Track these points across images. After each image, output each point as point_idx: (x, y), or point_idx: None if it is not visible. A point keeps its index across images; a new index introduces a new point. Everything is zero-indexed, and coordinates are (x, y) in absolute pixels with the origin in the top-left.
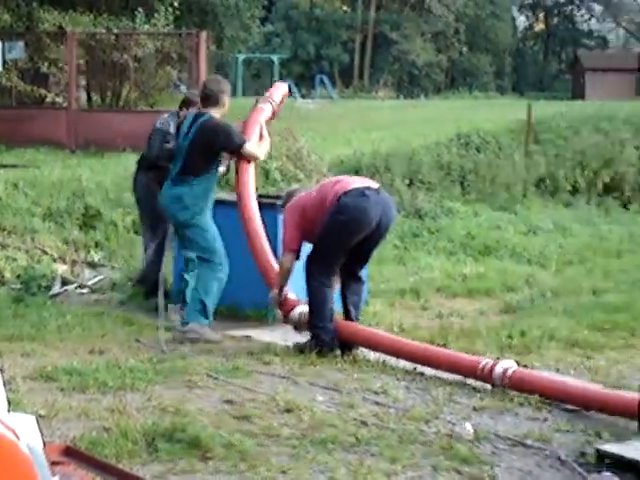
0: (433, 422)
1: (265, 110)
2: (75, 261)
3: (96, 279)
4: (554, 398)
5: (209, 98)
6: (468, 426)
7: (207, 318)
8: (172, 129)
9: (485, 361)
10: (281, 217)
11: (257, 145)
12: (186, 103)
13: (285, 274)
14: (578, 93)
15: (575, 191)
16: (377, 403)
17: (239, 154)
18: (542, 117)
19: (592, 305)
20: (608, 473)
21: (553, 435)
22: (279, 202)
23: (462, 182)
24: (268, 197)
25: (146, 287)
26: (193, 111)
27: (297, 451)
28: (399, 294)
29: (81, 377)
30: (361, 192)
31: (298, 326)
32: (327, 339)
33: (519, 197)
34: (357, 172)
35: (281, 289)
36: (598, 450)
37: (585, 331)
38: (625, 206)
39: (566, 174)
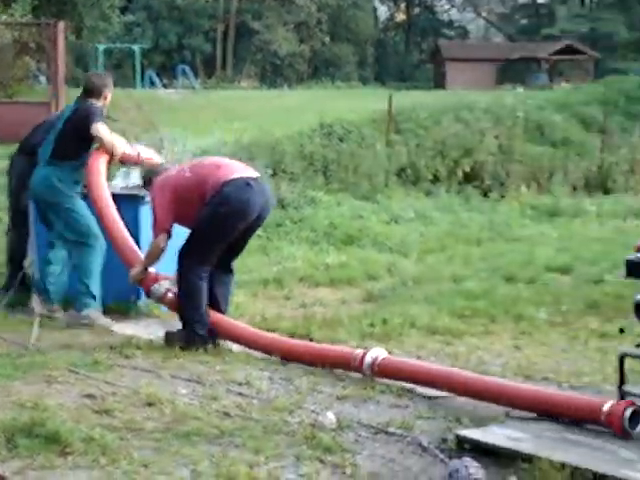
0: (296, 412)
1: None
2: None
3: None
4: (422, 384)
5: (92, 90)
6: (330, 415)
7: (94, 300)
8: None
9: (357, 351)
10: (142, 209)
11: (111, 136)
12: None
13: (157, 254)
14: (439, 83)
15: (436, 180)
16: (240, 394)
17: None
18: (403, 107)
19: (452, 292)
20: (468, 458)
21: (415, 422)
22: (141, 193)
23: (325, 172)
24: (127, 189)
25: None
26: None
27: (160, 444)
28: (262, 284)
29: None
30: (245, 182)
31: (160, 300)
32: (202, 332)
33: (381, 187)
34: None
35: (145, 268)
36: (458, 436)
37: (446, 318)
38: (485, 194)
39: (427, 163)
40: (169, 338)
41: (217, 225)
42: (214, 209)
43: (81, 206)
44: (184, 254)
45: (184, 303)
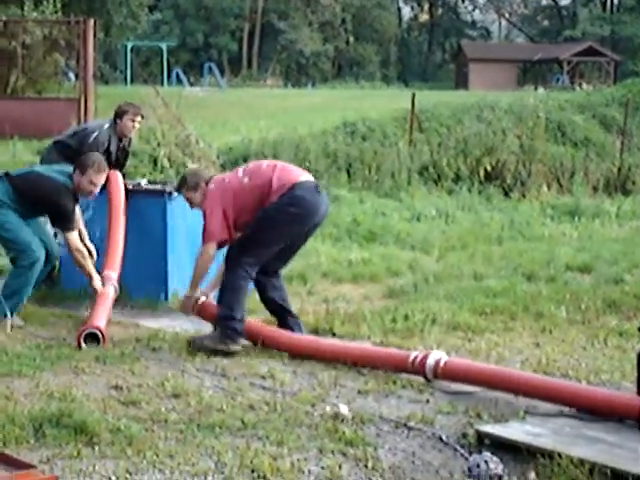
0: (319, 405)
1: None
2: None
3: None
4: (485, 385)
5: (79, 166)
6: (343, 408)
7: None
8: (112, 145)
9: (414, 354)
10: (170, 205)
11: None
12: (119, 114)
13: (206, 269)
14: (461, 83)
15: (458, 179)
16: (264, 387)
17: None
18: (426, 106)
19: (473, 290)
20: (488, 453)
21: (435, 417)
22: (168, 189)
23: (348, 170)
24: (155, 183)
25: None
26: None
27: (184, 436)
28: (286, 279)
29: None
30: (315, 185)
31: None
32: (239, 327)
33: (403, 185)
34: (245, 159)
35: (196, 287)
36: (478, 431)
37: (466, 315)
38: (506, 194)
39: (449, 162)
40: (197, 344)
41: (283, 225)
42: (282, 209)
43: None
44: (238, 249)
45: (227, 298)
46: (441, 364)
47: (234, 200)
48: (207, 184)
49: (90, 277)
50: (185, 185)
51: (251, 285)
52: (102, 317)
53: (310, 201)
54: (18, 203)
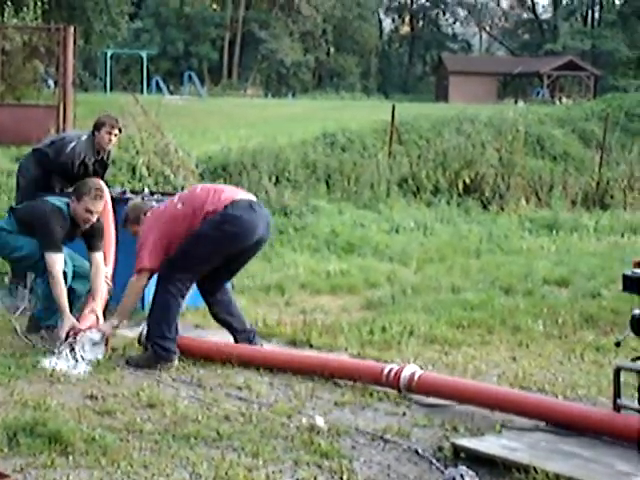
0: (295, 417)
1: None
2: None
3: None
4: (462, 401)
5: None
6: (319, 420)
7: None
8: (88, 157)
9: (389, 367)
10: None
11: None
12: (97, 125)
13: (136, 299)
14: (442, 96)
15: (437, 191)
16: (240, 398)
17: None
18: (406, 118)
19: (451, 302)
20: (464, 467)
21: (411, 430)
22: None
23: (327, 181)
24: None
25: (11, 279)
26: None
27: (159, 446)
28: (264, 290)
29: None
30: (249, 204)
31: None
32: (171, 347)
33: (383, 196)
34: (225, 169)
35: (124, 317)
36: (454, 444)
37: (444, 327)
38: (485, 207)
39: (428, 174)
40: (135, 363)
41: (215, 243)
42: (216, 226)
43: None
44: (170, 267)
45: (157, 316)
46: (415, 378)
47: (168, 226)
48: (146, 213)
49: (60, 310)
50: (128, 220)
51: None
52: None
53: (245, 219)
54: (23, 233)
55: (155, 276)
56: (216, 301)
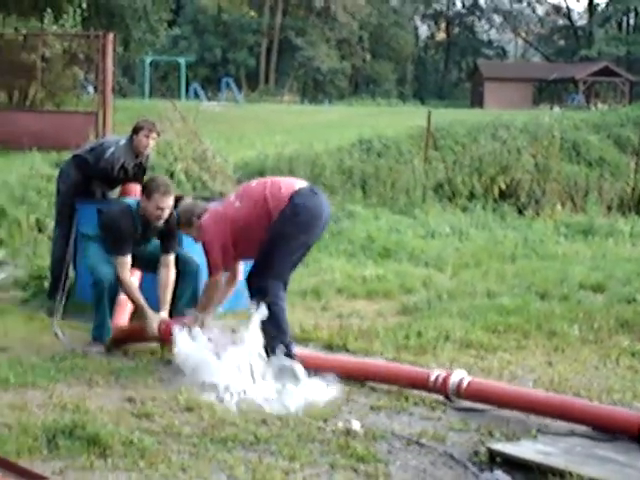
0: (331, 421)
1: None
2: None
3: None
4: (511, 407)
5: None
6: (355, 424)
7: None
8: (128, 161)
9: (437, 373)
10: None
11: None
12: (136, 130)
13: (214, 295)
14: (477, 102)
15: (472, 197)
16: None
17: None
18: (441, 124)
19: (486, 307)
20: (499, 472)
21: (447, 434)
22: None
23: (363, 186)
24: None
25: (51, 283)
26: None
27: (197, 449)
28: (300, 295)
29: None
30: (310, 189)
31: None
32: (292, 354)
33: (418, 202)
34: (261, 174)
35: (207, 313)
36: (489, 449)
37: (479, 332)
38: (520, 212)
39: (463, 180)
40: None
41: (297, 235)
42: (289, 221)
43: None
44: (261, 277)
45: (273, 331)
46: (464, 384)
47: (232, 226)
48: (200, 217)
49: (141, 309)
50: (180, 223)
51: None
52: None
53: (312, 206)
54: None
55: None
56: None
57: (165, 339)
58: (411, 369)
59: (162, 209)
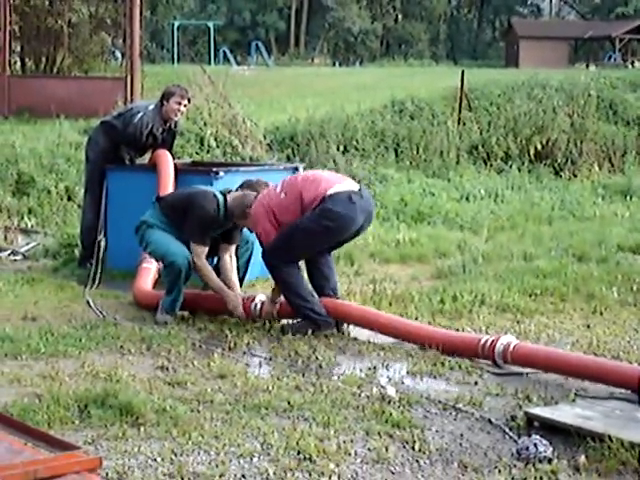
0: (366, 387)
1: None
2: (8, 227)
3: (29, 246)
4: (555, 371)
5: None
6: (390, 390)
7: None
8: (156, 127)
9: (485, 338)
10: (216, 183)
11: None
12: (166, 95)
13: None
14: (512, 61)
15: (507, 158)
16: (310, 368)
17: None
18: (475, 85)
19: (523, 270)
20: (537, 436)
21: (484, 399)
22: (214, 169)
23: (396, 149)
24: (203, 164)
25: (81, 251)
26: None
27: (230, 416)
28: (334, 260)
29: (13, 344)
30: (348, 197)
31: (263, 316)
32: (320, 313)
33: (452, 164)
34: (292, 139)
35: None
36: (527, 413)
37: (516, 296)
38: (557, 173)
39: (498, 141)
40: (293, 330)
41: (315, 236)
42: (316, 221)
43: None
44: (272, 255)
45: (290, 297)
46: (510, 348)
47: (276, 217)
48: (250, 207)
49: (220, 292)
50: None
51: None
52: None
53: (344, 214)
54: (167, 224)
55: None
56: (320, 275)
57: (248, 314)
58: (462, 335)
59: (248, 216)
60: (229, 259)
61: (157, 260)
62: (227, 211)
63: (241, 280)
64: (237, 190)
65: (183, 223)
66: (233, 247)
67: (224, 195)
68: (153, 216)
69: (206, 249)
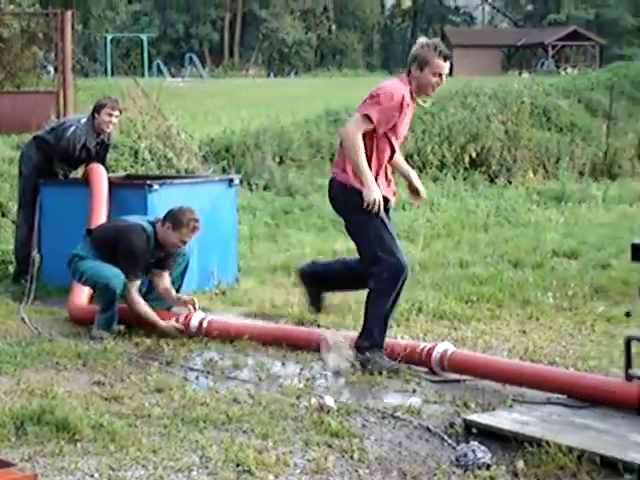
0: (305, 397)
1: None
2: None
3: None
4: (491, 378)
5: None
6: (329, 399)
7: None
8: (89, 140)
9: (422, 345)
10: (151, 197)
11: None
12: (97, 108)
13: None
14: None
15: (442, 166)
16: (249, 380)
17: None
18: None
19: (459, 278)
20: (475, 442)
21: (422, 406)
22: (148, 182)
23: (331, 159)
24: (138, 178)
25: (16, 267)
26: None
27: (168, 430)
28: (270, 271)
29: None
30: None
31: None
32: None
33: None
34: (228, 150)
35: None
36: (465, 420)
37: (452, 303)
38: (492, 180)
39: (433, 149)
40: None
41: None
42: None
43: None
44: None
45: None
46: (447, 355)
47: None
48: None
49: (155, 324)
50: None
51: None
52: None
53: None
54: (99, 257)
55: None
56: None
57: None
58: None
59: (184, 243)
60: (162, 287)
61: (92, 287)
62: (157, 241)
63: (177, 292)
64: (164, 221)
65: (114, 257)
66: (166, 273)
67: (153, 225)
68: (84, 249)
69: (138, 282)
